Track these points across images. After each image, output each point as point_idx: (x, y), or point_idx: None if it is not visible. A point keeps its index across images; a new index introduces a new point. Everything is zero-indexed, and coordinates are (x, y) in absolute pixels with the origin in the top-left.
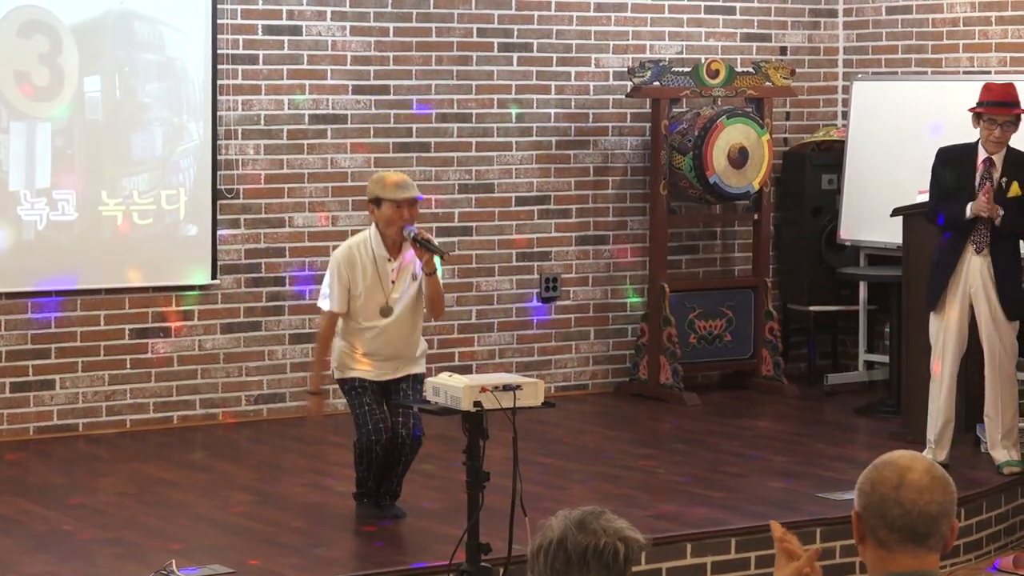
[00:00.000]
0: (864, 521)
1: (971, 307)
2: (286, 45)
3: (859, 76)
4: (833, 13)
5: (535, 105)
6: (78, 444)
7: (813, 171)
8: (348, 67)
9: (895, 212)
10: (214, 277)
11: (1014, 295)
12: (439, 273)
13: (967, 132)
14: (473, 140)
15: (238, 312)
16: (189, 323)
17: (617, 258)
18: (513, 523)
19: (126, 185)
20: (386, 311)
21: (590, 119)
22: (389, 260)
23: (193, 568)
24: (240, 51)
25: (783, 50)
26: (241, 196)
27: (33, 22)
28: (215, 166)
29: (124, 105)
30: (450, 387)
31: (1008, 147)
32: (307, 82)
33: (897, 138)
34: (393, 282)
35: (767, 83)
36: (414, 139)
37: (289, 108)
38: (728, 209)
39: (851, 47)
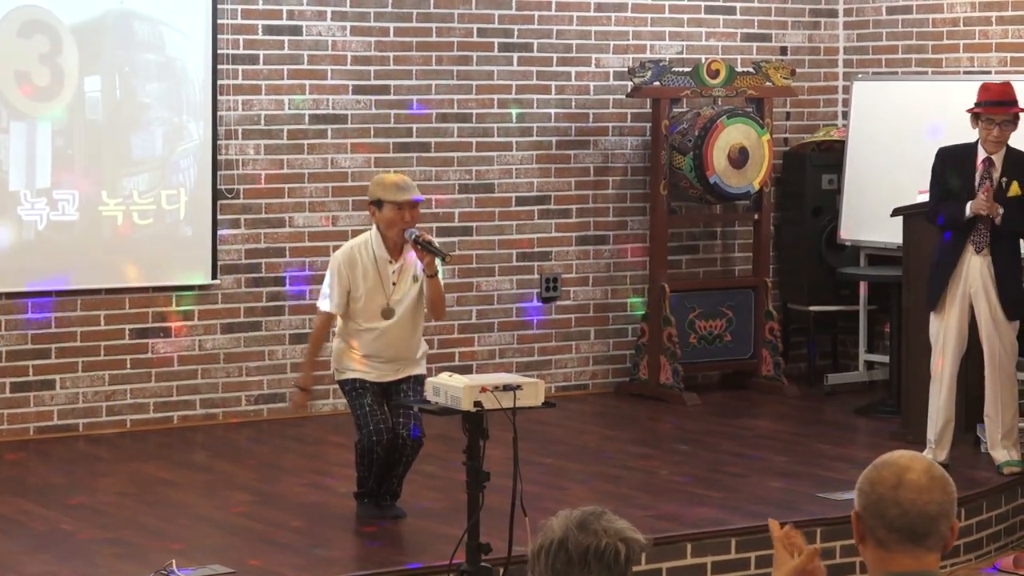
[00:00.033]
0: (863, 521)
1: (971, 307)
2: (286, 45)
3: (859, 76)
4: (833, 13)
5: (535, 105)
6: (78, 444)
7: (813, 171)
8: (348, 67)
9: (895, 212)
10: (214, 277)
11: (1014, 295)
12: (440, 275)
13: (967, 132)
14: (473, 140)
15: (238, 312)
16: (189, 323)
17: (617, 258)
18: (513, 523)
19: (126, 185)
20: (387, 313)
21: (590, 119)
22: (390, 262)
23: (189, 569)
24: (240, 51)
25: (783, 50)
26: (241, 196)
27: (33, 22)
28: (215, 166)
29: (124, 105)
30: (450, 387)
31: (1008, 147)
32: (307, 82)
33: (897, 138)
34: (394, 284)
35: (767, 83)
36: (414, 139)
37: (289, 108)
38: (728, 209)
39: (851, 47)
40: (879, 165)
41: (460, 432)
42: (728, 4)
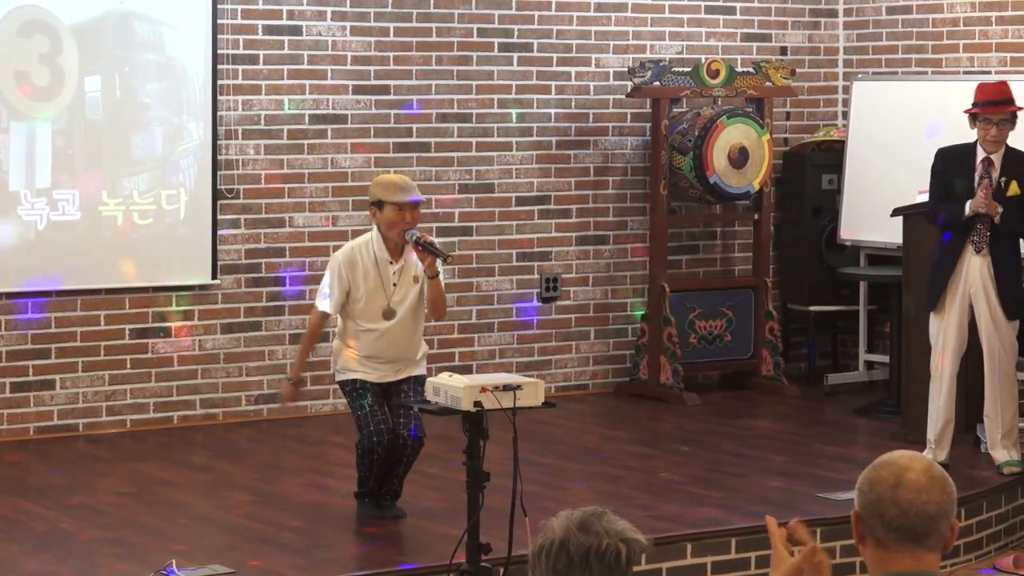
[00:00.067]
0: (863, 521)
1: (971, 307)
2: (286, 45)
3: (859, 76)
4: (833, 13)
5: (535, 105)
6: (78, 444)
7: (813, 171)
8: (348, 67)
9: (895, 212)
10: (214, 277)
11: (1014, 295)
12: (441, 275)
13: (967, 133)
14: (473, 140)
15: (238, 312)
16: (189, 323)
17: (617, 258)
18: (513, 523)
19: (126, 185)
20: (388, 314)
21: (590, 119)
22: (391, 263)
23: (189, 569)
24: (240, 51)
25: (783, 50)
26: (241, 196)
27: (33, 22)
28: (215, 166)
29: (124, 105)
30: (450, 387)
31: (1007, 146)
32: (307, 82)
33: (897, 138)
34: (395, 285)
35: (767, 83)
36: (414, 139)
37: (289, 108)
38: (728, 209)
39: (851, 47)
40: (879, 165)
41: (460, 432)
42: (728, 4)
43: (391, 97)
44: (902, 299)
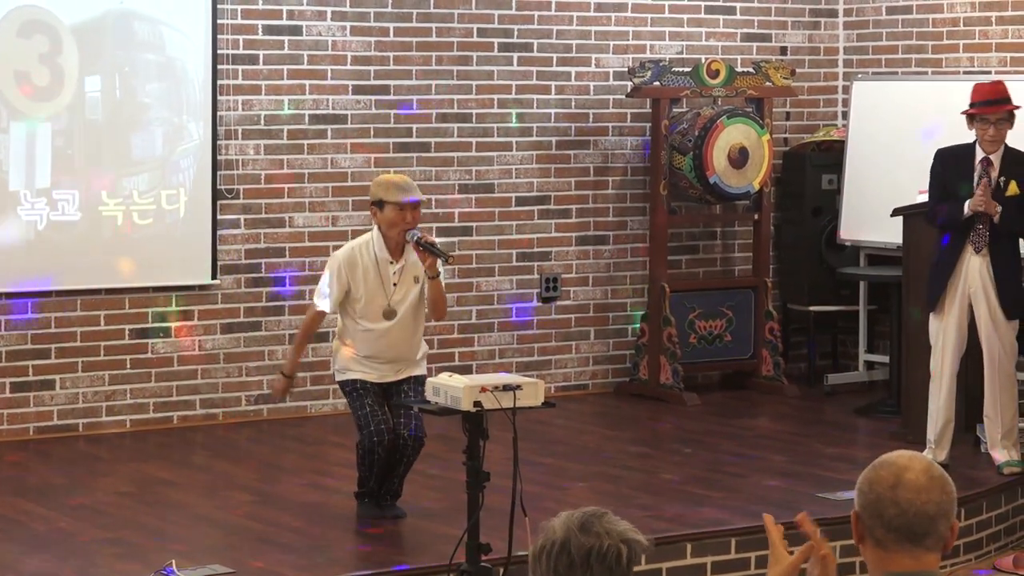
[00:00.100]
0: (863, 521)
1: (971, 307)
2: (286, 45)
3: (859, 76)
4: (833, 13)
5: (535, 105)
6: (78, 444)
7: (813, 171)
8: (348, 67)
9: (895, 212)
10: (214, 277)
11: (1014, 295)
12: (442, 276)
13: (967, 133)
14: (473, 140)
15: (238, 312)
16: (189, 323)
17: (617, 258)
18: (513, 523)
19: (126, 185)
20: (389, 314)
21: (590, 119)
22: (391, 263)
23: (189, 569)
24: (240, 51)
25: (783, 50)
26: (241, 196)
27: (33, 22)
28: (215, 166)
29: (124, 105)
30: (450, 387)
31: (1006, 146)
32: (307, 82)
33: (897, 138)
34: (395, 285)
35: (767, 83)
36: (414, 139)
37: (289, 108)
38: (728, 209)
39: (851, 47)
40: (879, 165)
41: (460, 432)
42: (728, 4)
43: (391, 97)
44: (902, 299)
